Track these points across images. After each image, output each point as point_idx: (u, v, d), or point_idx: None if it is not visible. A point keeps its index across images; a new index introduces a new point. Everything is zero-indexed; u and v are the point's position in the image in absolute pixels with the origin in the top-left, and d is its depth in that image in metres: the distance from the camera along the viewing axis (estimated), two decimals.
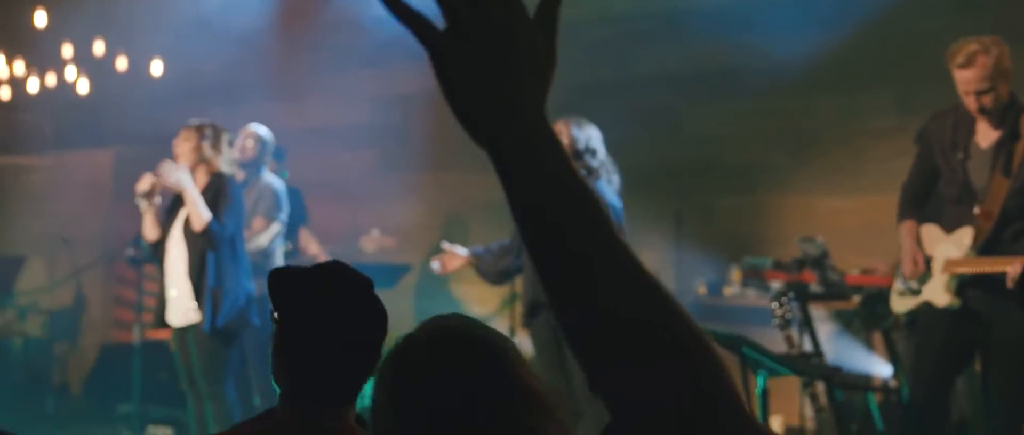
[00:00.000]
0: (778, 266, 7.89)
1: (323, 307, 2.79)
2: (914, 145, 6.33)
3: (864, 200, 8.26)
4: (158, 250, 7.18)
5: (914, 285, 6.07)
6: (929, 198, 6.15)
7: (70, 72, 10.31)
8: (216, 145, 7.12)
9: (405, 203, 10.21)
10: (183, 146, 7.11)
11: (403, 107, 10.34)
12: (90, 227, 11.08)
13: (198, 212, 6.85)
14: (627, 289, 1.23)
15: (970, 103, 5.76)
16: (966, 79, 5.70)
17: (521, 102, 1.26)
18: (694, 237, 8.78)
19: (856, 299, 7.49)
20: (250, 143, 8.15)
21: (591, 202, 1.25)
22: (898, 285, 6.21)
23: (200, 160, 7.09)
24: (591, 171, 6.75)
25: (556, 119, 7.03)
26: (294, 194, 8.73)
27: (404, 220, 10.15)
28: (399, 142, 10.42)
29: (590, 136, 6.91)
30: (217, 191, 6.98)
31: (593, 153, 6.82)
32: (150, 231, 7.16)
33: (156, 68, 10.25)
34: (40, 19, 10.09)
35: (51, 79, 10.39)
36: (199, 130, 7.12)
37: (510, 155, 1.26)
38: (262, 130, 8.22)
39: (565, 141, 6.85)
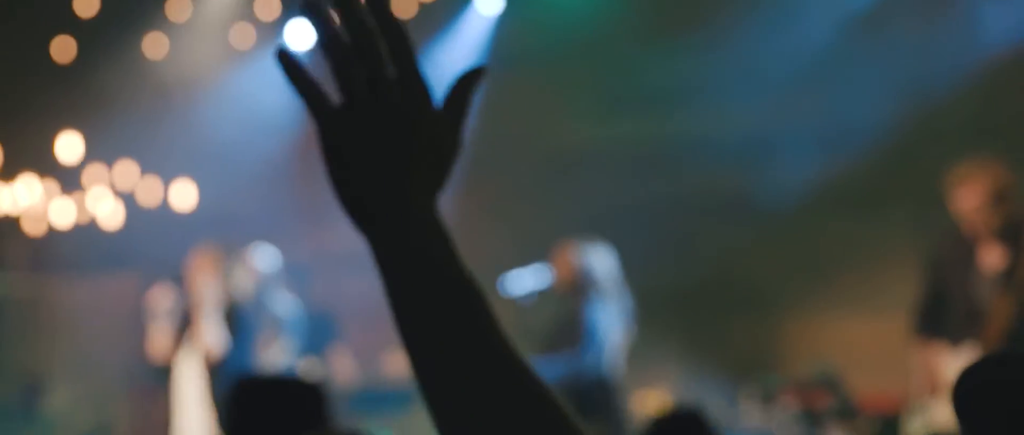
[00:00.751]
0: (791, 387, 7.94)
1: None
2: (924, 266, 6.42)
3: (878, 322, 8.34)
4: (169, 373, 7.26)
5: (927, 408, 6.12)
6: (940, 319, 6.22)
7: (98, 195, 10.56)
8: (230, 269, 7.22)
9: None
10: (197, 269, 7.22)
11: None
12: (115, 351, 11.21)
13: (210, 338, 6.94)
14: (507, 404, 1.16)
15: (973, 224, 5.87)
16: (965, 200, 5.82)
17: (411, 191, 1.19)
18: (707, 358, 8.84)
19: (870, 422, 7.51)
20: (252, 273, 8.17)
21: (474, 303, 1.17)
22: (912, 408, 6.26)
23: (214, 284, 7.19)
24: (593, 294, 6.87)
25: (568, 240, 7.20)
26: (324, 318, 8.78)
27: None
28: None
29: (593, 260, 7.03)
30: (229, 316, 7.07)
31: (595, 277, 6.94)
32: (162, 353, 7.25)
33: (184, 192, 10.48)
34: (70, 143, 10.36)
35: (80, 202, 10.63)
36: (213, 253, 7.23)
37: (390, 247, 1.18)
38: (262, 260, 8.21)
39: (568, 265, 7.01)
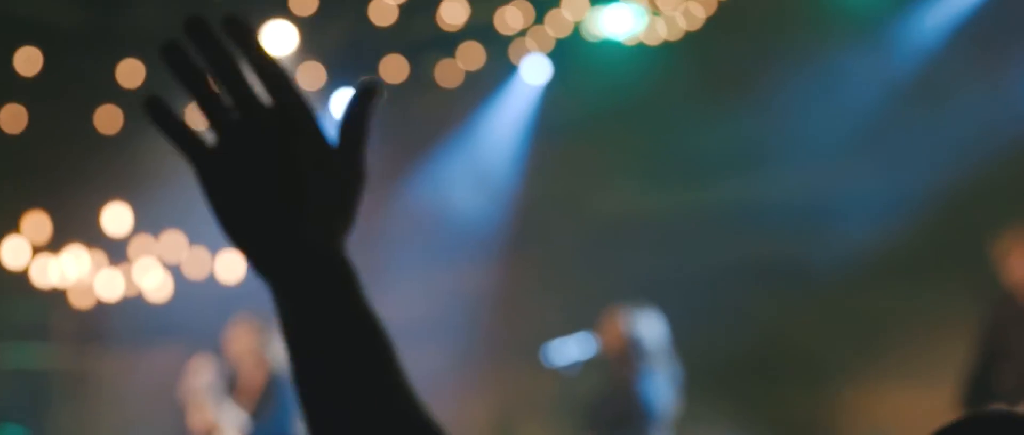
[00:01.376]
0: None
1: None
2: (977, 331, 6.36)
3: (934, 392, 8.22)
4: None
5: None
6: (990, 387, 6.15)
7: (145, 267, 10.66)
8: (268, 340, 7.21)
9: (470, 399, 10.29)
10: (237, 341, 7.23)
11: (468, 302, 10.51)
12: (161, 423, 11.23)
13: (227, 419, 6.92)
14: None
15: (1020, 292, 5.82)
16: (1010, 270, 5.78)
17: (299, 228, 1.12)
18: (760, 429, 8.75)
19: None
20: None
21: (371, 350, 1.13)
22: None
23: (254, 355, 7.19)
24: (644, 364, 6.81)
25: (617, 307, 7.17)
26: None
27: (471, 415, 10.23)
28: (465, 337, 10.55)
29: (643, 327, 6.98)
30: (267, 388, 7.07)
31: (645, 345, 6.89)
32: (202, 425, 7.25)
33: (230, 264, 10.55)
34: (118, 214, 10.48)
35: (127, 274, 10.73)
36: (253, 325, 7.23)
37: (281, 286, 1.13)
38: None
39: (616, 332, 6.97)
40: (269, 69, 1.13)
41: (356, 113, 1.16)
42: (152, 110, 1.14)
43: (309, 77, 10.44)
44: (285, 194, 1.12)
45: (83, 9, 9.69)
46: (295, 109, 1.13)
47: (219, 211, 1.14)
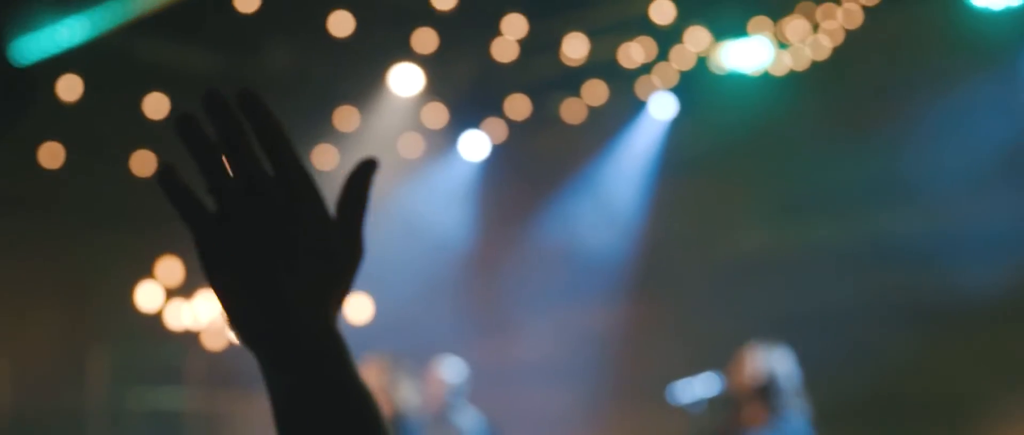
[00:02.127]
0: None
1: None
2: None
3: None
4: None
5: None
6: None
7: None
8: (395, 379, 7.24)
9: None
10: (364, 380, 7.30)
11: (595, 341, 10.51)
12: None
13: None
14: None
15: None
16: None
17: (293, 303, 1.13)
18: None
19: None
20: (438, 390, 8.22)
21: (365, 423, 1.13)
22: None
23: (381, 394, 7.24)
24: (771, 402, 6.73)
25: (749, 344, 7.12)
26: (497, 431, 8.80)
27: None
28: (592, 377, 10.54)
29: (774, 365, 6.89)
30: (395, 428, 7.10)
31: (774, 383, 6.81)
32: None
33: (359, 305, 10.71)
34: None
35: None
36: (380, 363, 7.29)
37: (275, 363, 1.13)
38: (451, 372, 8.28)
39: (745, 370, 6.89)
40: (274, 140, 1.15)
41: (355, 188, 1.18)
42: (163, 179, 1.14)
43: (433, 118, 10.59)
44: (278, 266, 1.13)
45: (213, 54, 9.96)
46: (297, 181, 1.15)
47: (212, 279, 1.14)
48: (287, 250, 1.13)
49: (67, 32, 9.20)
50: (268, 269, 1.13)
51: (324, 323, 1.14)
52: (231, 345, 11.09)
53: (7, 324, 10.75)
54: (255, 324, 1.14)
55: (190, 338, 11.15)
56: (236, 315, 1.14)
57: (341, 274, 1.16)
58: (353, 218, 1.18)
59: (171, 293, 10.85)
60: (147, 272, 10.71)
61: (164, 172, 1.15)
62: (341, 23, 9.07)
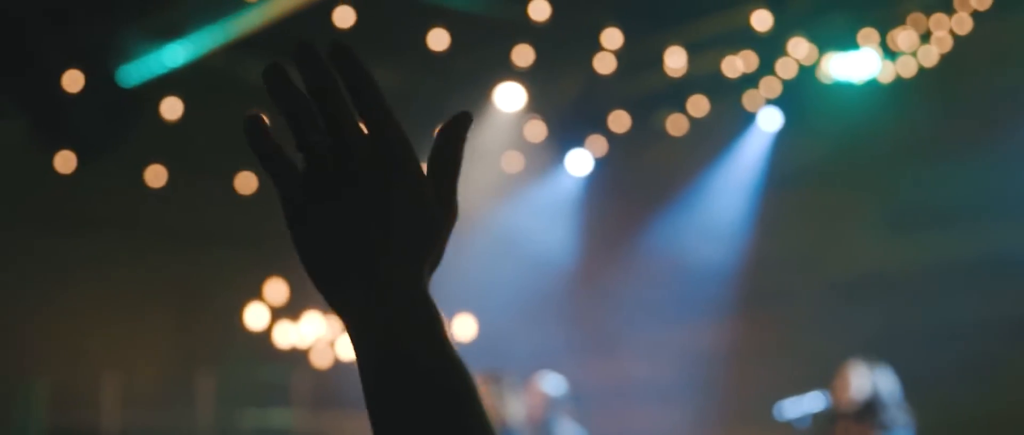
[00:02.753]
0: None
1: None
2: None
3: None
4: None
5: None
6: None
7: None
8: (501, 395, 7.29)
9: None
10: None
11: (701, 359, 10.44)
12: None
13: None
14: None
15: None
16: None
17: (384, 264, 1.09)
18: None
19: None
20: (538, 402, 8.26)
21: (453, 396, 1.08)
22: None
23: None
24: (873, 418, 6.66)
25: (852, 362, 7.06)
26: None
27: None
28: (698, 395, 10.47)
29: (877, 383, 6.83)
30: None
31: (877, 400, 6.74)
32: None
33: (465, 327, 10.76)
34: None
35: None
36: (484, 382, 7.33)
37: (359, 325, 1.09)
38: (551, 384, 8.32)
39: (848, 387, 6.85)
40: (369, 98, 1.10)
41: (449, 145, 1.13)
42: (250, 127, 1.11)
43: (536, 134, 10.62)
44: (368, 229, 1.09)
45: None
46: (392, 142, 1.10)
47: (300, 242, 1.11)
48: (378, 213, 1.09)
49: (170, 54, 9.40)
50: (357, 233, 1.09)
51: (416, 289, 1.09)
52: (338, 363, 11.21)
53: (117, 342, 10.99)
54: (343, 289, 1.10)
55: (297, 357, 11.29)
56: (323, 278, 1.11)
57: (434, 238, 1.12)
58: (446, 178, 1.13)
59: (277, 313, 10.99)
60: (255, 293, 10.87)
61: (253, 119, 1.11)
62: (439, 39, 9.13)
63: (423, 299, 1.10)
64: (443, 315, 1.10)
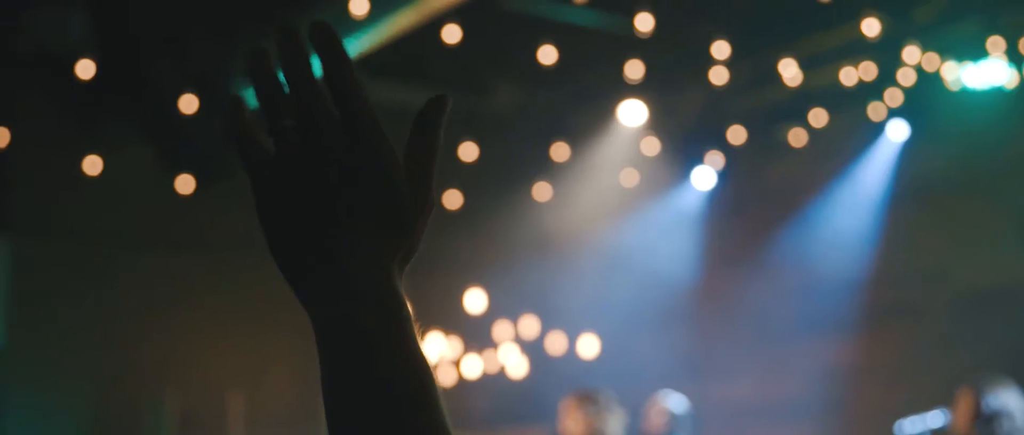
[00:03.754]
0: None
1: None
2: None
3: None
4: None
5: None
6: None
7: (505, 352, 11.04)
8: (600, 416, 7.26)
9: None
10: (568, 419, 7.31)
11: (829, 376, 10.28)
12: None
13: None
14: None
15: None
16: None
17: (353, 263, 1.06)
18: None
19: None
20: (660, 419, 8.23)
21: (413, 392, 1.05)
22: None
23: (587, 430, 7.26)
24: None
25: (975, 378, 6.92)
26: None
27: None
28: (825, 412, 10.30)
29: (1000, 402, 6.66)
30: None
31: (997, 421, 6.57)
32: None
33: (588, 345, 10.78)
34: (476, 301, 10.93)
35: (487, 357, 11.15)
36: (582, 401, 7.32)
37: (322, 313, 1.07)
38: (674, 402, 8.31)
39: (968, 406, 6.70)
40: (342, 80, 1.08)
41: (424, 133, 1.11)
42: (232, 112, 1.10)
43: (656, 150, 10.60)
44: (332, 217, 1.06)
45: (436, 91, 10.22)
46: (362, 126, 1.07)
47: (265, 225, 1.10)
48: (343, 200, 1.07)
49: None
50: (319, 222, 1.07)
51: (383, 283, 1.06)
52: (461, 382, 11.31)
53: (242, 360, 11.22)
54: (305, 276, 1.08)
55: None
56: (288, 269, 1.09)
57: (406, 228, 1.08)
58: (422, 167, 1.10)
59: None
60: None
61: (235, 102, 1.11)
62: (548, 55, 9.21)
63: (391, 294, 1.07)
64: (410, 310, 1.10)
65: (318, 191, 1.07)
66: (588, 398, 7.40)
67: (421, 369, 1.07)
